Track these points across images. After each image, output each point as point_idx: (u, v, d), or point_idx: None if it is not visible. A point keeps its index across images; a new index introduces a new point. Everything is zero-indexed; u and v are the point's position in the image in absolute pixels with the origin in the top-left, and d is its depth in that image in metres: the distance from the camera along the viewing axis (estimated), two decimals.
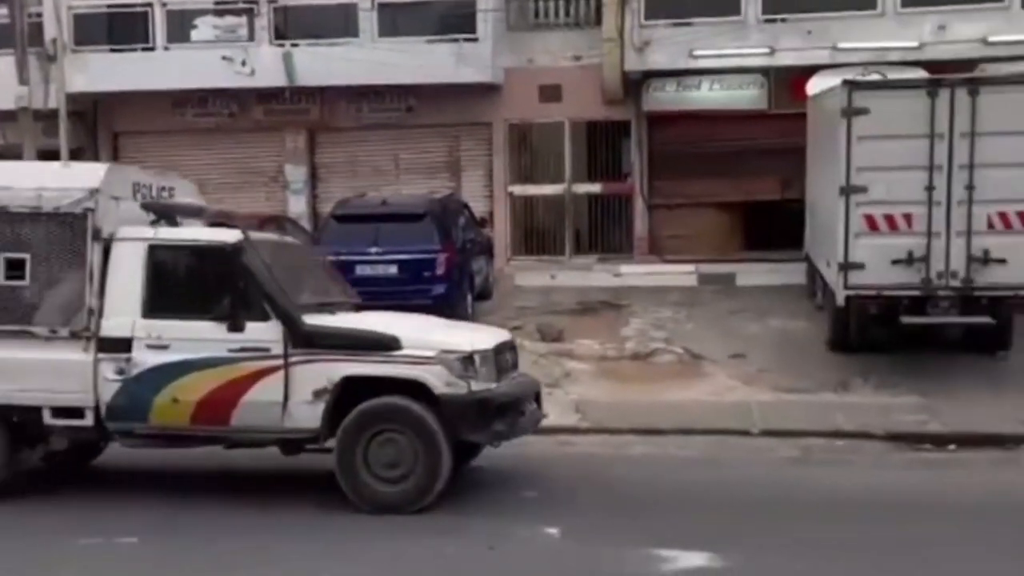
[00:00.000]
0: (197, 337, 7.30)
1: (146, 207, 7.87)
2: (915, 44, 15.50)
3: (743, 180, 17.04)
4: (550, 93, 17.38)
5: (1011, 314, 11.12)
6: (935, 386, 10.86)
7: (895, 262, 10.67)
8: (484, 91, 17.17)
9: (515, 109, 17.59)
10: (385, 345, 7.23)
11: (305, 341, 7.24)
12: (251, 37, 17.08)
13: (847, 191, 10.74)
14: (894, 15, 15.72)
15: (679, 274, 16.32)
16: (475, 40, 16.72)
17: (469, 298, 13.88)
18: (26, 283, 7.53)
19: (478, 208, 16.73)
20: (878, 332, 11.70)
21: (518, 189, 17.92)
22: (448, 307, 12.64)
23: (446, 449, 7.07)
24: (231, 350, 7.25)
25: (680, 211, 17.51)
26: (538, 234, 18.06)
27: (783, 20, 16.04)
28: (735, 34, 16.09)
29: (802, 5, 15.94)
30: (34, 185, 7.63)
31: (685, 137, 17.21)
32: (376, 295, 12.26)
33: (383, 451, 7.14)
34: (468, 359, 7.16)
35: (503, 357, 7.69)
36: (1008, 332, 11.41)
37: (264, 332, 7.25)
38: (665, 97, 17.02)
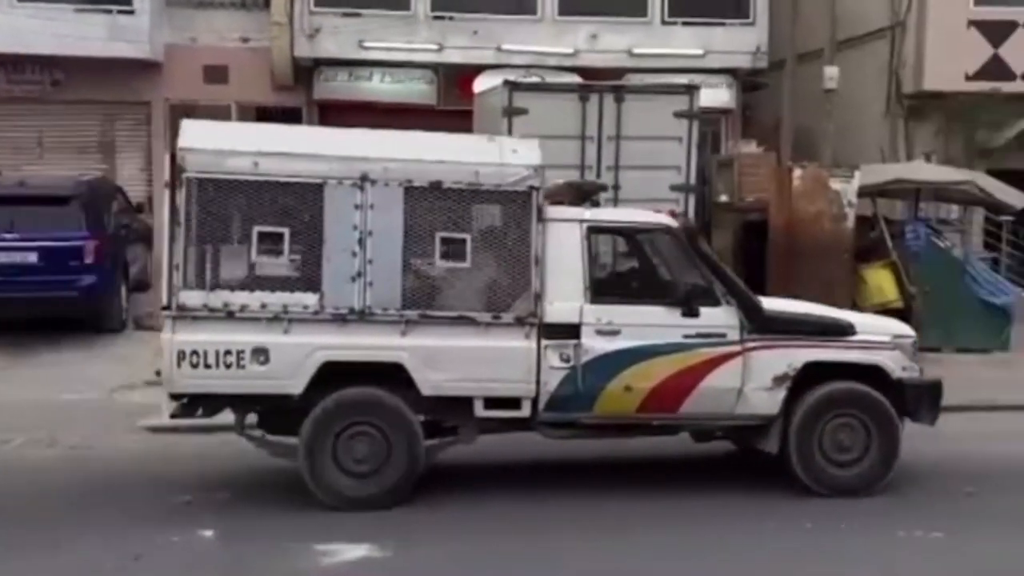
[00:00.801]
0: (650, 323, 6.89)
1: (575, 186, 7.35)
2: (571, 51, 16.56)
3: None
4: (215, 74, 16.66)
5: None
6: None
7: None
8: (142, 68, 16.13)
9: (177, 89, 16.67)
10: (842, 331, 7.22)
11: (763, 326, 7.02)
12: None
13: None
14: (552, 22, 16.69)
15: None
16: (131, 12, 15.71)
17: (123, 290, 12.95)
18: (467, 265, 6.70)
19: (136, 193, 15.66)
20: None
21: None
22: (97, 299, 11.72)
23: (900, 434, 7.12)
24: (687, 336, 6.90)
25: None
26: None
27: (451, 18, 16.50)
28: (405, 28, 16.33)
29: (468, 5, 16.50)
30: (472, 160, 6.78)
31: (357, 127, 17.10)
32: (12, 285, 11.16)
33: (837, 436, 7.05)
34: (915, 344, 7.30)
35: None
36: None
37: (719, 317, 6.98)
38: (337, 86, 16.90)
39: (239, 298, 6.56)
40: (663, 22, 17.07)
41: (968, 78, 17.33)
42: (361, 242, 6.59)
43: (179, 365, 6.50)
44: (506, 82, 11.44)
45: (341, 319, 6.61)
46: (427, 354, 6.68)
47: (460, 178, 6.72)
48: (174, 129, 16.47)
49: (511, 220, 6.84)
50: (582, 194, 7.64)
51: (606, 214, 7.59)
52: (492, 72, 15.47)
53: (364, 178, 6.61)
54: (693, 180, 11.44)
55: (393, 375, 6.69)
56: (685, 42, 16.98)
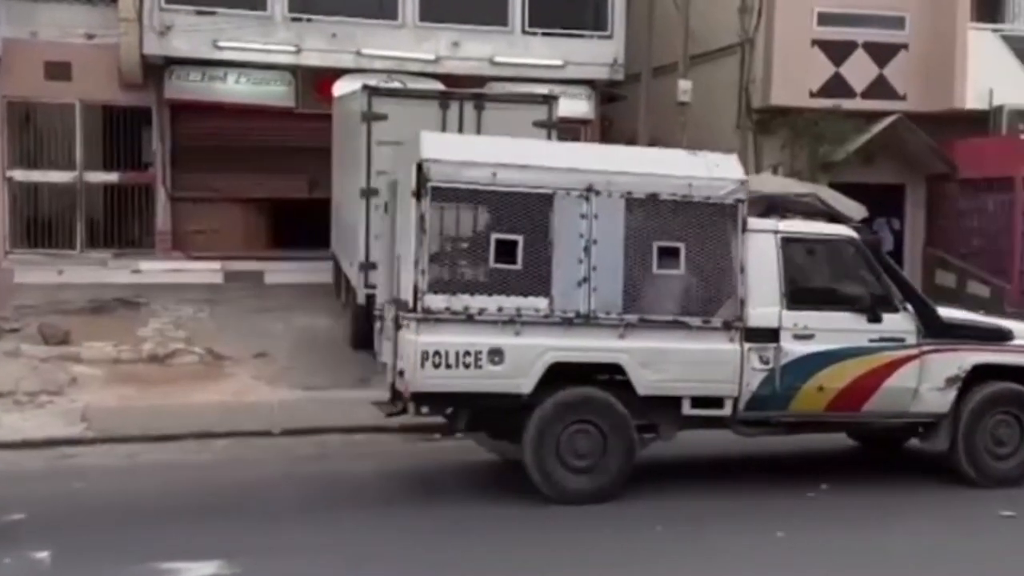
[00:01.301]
0: (840, 328, 7.46)
1: (765, 198, 7.78)
2: (432, 57, 16.49)
3: (271, 177, 16.87)
4: (58, 71, 15.79)
5: None
6: None
7: None
8: None
9: (16, 85, 15.75)
10: (1003, 336, 7.97)
11: (937, 332, 7.65)
12: None
13: (367, 193, 11.08)
14: (413, 27, 16.59)
15: (204, 271, 15.78)
16: None
17: None
18: (680, 272, 7.16)
19: None
20: None
21: (19, 174, 16.09)
22: None
23: None
24: (871, 340, 7.50)
25: (206, 206, 16.90)
26: (44, 225, 16.35)
27: (309, 20, 16.18)
28: (261, 29, 15.92)
29: (327, 7, 16.21)
30: (684, 173, 7.26)
31: (211, 129, 16.59)
32: None
33: (996, 431, 7.73)
34: None
35: None
36: None
37: (899, 323, 7.61)
38: (189, 86, 16.30)
39: (478, 302, 6.92)
40: (523, 31, 17.22)
41: (812, 95, 18.18)
42: (587, 249, 7.05)
43: (422, 365, 6.79)
44: (365, 87, 11.30)
45: (568, 322, 7.03)
46: (644, 356, 7.15)
47: (675, 190, 7.22)
48: (12, 127, 15.63)
49: (718, 230, 7.29)
50: (771, 206, 7.99)
51: (797, 226, 7.90)
52: (352, 76, 15.26)
53: (590, 189, 7.06)
54: None
55: (610, 375, 7.16)
56: (545, 52, 17.18)
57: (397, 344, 7.17)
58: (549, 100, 11.58)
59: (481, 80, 16.05)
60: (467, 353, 6.84)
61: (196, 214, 16.79)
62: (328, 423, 9.90)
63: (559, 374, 6.99)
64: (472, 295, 6.93)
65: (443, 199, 6.89)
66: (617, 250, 7.09)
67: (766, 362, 7.31)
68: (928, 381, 7.66)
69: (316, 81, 16.37)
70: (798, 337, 7.40)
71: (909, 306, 7.67)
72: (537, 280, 6.97)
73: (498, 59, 16.78)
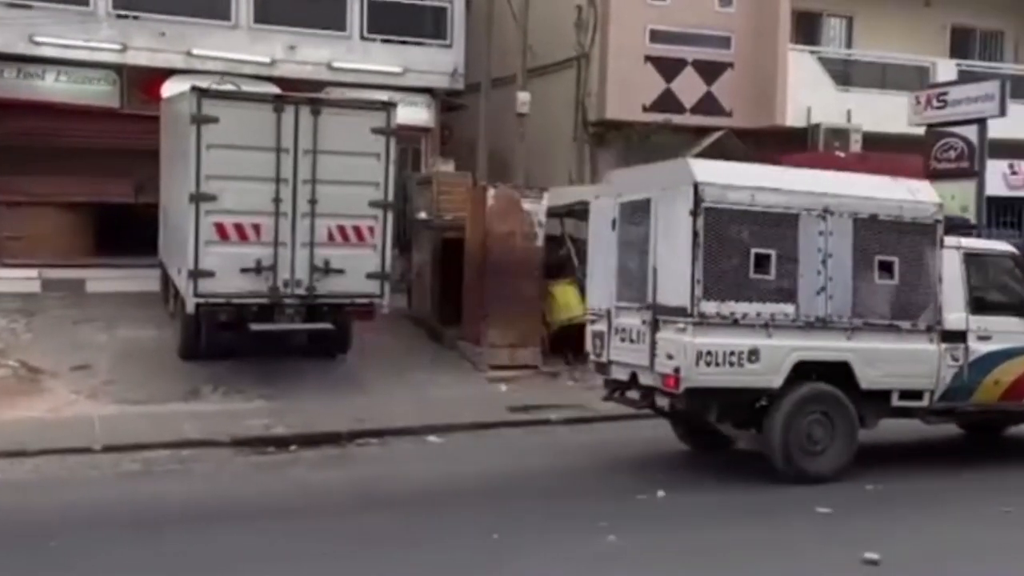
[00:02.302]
0: (1011, 330, 8.84)
1: (946, 219, 8.70)
2: (267, 60, 16.10)
3: (95, 180, 15.99)
4: None
5: (349, 320, 12.03)
6: (281, 390, 11.34)
7: (244, 270, 10.89)
8: None
9: None
10: None
11: None
12: None
13: (197, 198, 10.68)
14: (248, 29, 16.15)
15: (19, 279, 14.80)
16: None
17: None
18: (895, 282, 8.30)
19: None
20: (229, 339, 11.85)
21: None
22: None
23: None
24: None
25: (22, 210, 15.81)
26: None
27: (136, 18, 15.50)
28: (83, 25, 15.13)
29: (156, 5, 15.57)
30: (896, 197, 8.46)
31: (29, 129, 15.59)
32: None
33: None
34: None
35: None
36: (347, 337, 12.34)
37: None
38: (4, 84, 15.31)
39: (741, 308, 7.91)
40: (362, 37, 17.05)
41: (645, 109, 18.78)
42: (824, 262, 8.13)
43: (697, 364, 7.75)
44: (195, 88, 10.86)
45: (810, 326, 8.11)
46: (866, 355, 8.25)
47: (890, 212, 8.38)
48: None
49: (921, 247, 8.45)
50: (951, 226, 9.03)
51: (974, 243, 9.36)
52: (182, 77, 14.71)
53: (826, 210, 8.17)
54: (391, 197, 11.44)
55: (838, 372, 8.16)
56: (384, 59, 17.06)
57: (657, 345, 8.07)
58: (387, 106, 11.45)
59: (319, 85, 15.78)
60: (732, 353, 7.85)
61: (11, 219, 15.70)
62: (154, 438, 9.45)
63: (800, 371, 8.05)
64: (736, 302, 7.88)
65: (713, 218, 7.82)
66: (847, 263, 8.21)
67: (956, 360, 8.56)
68: None
69: (143, 81, 15.69)
70: (980, 338, 8.70)
71: None
72: (786, 289, 8.05)
73: (336, 64, 16.55)
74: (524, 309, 12.95)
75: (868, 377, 8.24)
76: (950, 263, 8.65)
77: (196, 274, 10.70)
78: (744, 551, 6.40)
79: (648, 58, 18.65)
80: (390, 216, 11.42)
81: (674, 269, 7.96)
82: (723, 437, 8.85)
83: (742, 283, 7.91)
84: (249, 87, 14.15)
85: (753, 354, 7.88)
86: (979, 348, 8.69)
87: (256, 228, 10.93)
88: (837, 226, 8.18)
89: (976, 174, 14.80)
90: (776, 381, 8.00)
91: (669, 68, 18.84)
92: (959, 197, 14.86)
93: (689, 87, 19.10)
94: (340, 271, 11.19)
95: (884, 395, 8.40)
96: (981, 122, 14.83)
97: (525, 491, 7.92)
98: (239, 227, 10.87)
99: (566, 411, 11.21)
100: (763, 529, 6.93)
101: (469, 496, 7.70)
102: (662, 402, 8.43)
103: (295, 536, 6.58)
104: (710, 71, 19.22)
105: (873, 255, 8.27)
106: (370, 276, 11.33)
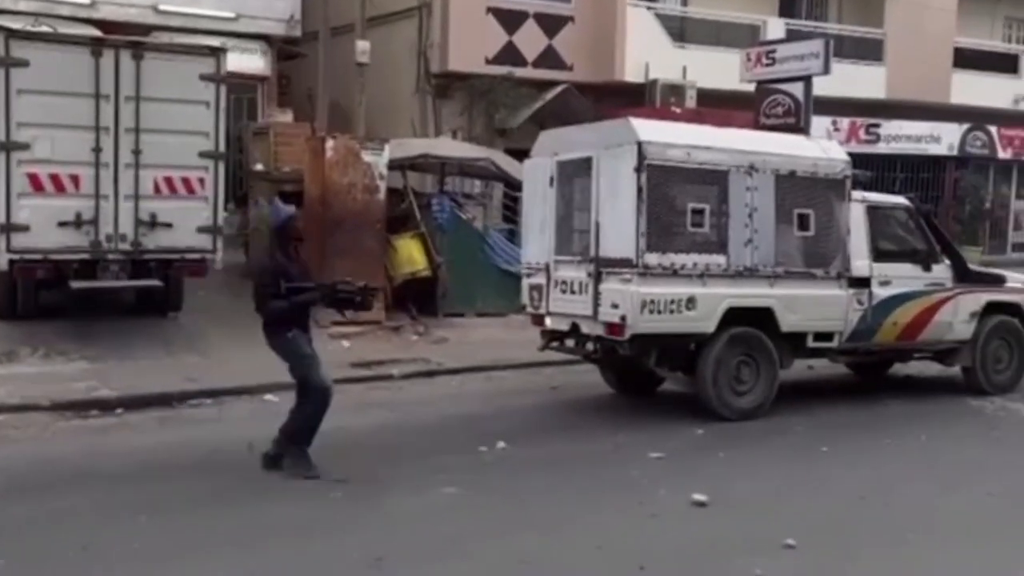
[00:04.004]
0: (907, 275, 9.58)
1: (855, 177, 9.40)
2: (87, 1, 15.08)
3: None
4: None
5: (180, 277, 11.52)
6: (107, 351, 10.77)
7: (62, 224, 10.28)
8: None
9: None
10: (1000, 280, 10.46)
11: (965, 278, 9.95)
12: None
13: (7, 147, 9.96)
14: None
15: None
16: None
17: None
18: (811, 234, 8.97)
19: None
20: (49, 297, 11.17)
21: None
22: None
23: None
24: (926, 285, 9.70)
25: None
26: None
27: None
28: None
29: None
30: (810, 155, 9.17)
31: None
32: None
33: (998, 353, 10.22)
34: None
35: None
36: (179, 294, 11.84)
37: (942, 271, 9.84)
38: None
39: (680, 259, 8.39)
40: None
41: (487, 61, 18.66)
42: (751, 216, 8.66)
43: (642, 312, 8.21)
44: (2, 29, 10.05)
45: (739, 275, 8.65)
46: (786, 300, 8.87)
47: (806, 168, 8.98)
48: None
49: (832, 200, 9.09)
50: (856, 181, 9.52)
51: (876, 197, 9.99)
52: None
53: (752, 167, 8.69)
54: (222, 147, 10.95)
55: (761, 317, 8.76)
56: (215, 3, 16.30)
57: (601, 295, 8.44)
58: (217, 52, 10.89)
59: (145, 29, 14.94)
60: (672, 301, 8.34)
61: None
62: None
63: (729, 317, 8.55)
64: (676, 253, 8.35)
65: (655, 174, 8.20)
66: (770, 216, 8.75)
67: (862, 304, 9.28)
68: (959, 315, 9.93)
69: None
70: (881, 284, 9.43)
71: (946, 258, 9.90)
72: (719, 241, 8.57)
73: (163, 7, 15.69)
74: (366, 263, 12.67)
75: (788, 321, 8.88)
76: (856, 215, 9.31)
77: (8, 228, 10.01)
78: (571, 496, 6.51)
79: (490, 9, 18.50)
80: (221, 167, 10.96)
81: (618, 223, 8.32)
82: (648, 383, 9.55)
83: (680, 236, 8.42)
84: (67, 30, 13.28)
85: (691, 302, 8.41)
86: (881, 293, 9.42)
87: (74, 179, 10.30)
88: (761, 182, 8.71)
89: (802, 130, 15.42)
90: (710, 326, 8.54)
91: (511, 20, 18.75)
92: None
93: (531, 40, 19.08)
94: (168, 225, 10.69)
95: (801, 337, 9.09)
96: (807, 79, 15.45)
97: (364, 447, 7.80)
98: (55, 178, 10.21)
99: (409, 365, 11.13)
100: (596, 473, 7.07)
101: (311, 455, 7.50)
102: (599, 349, 8.94)
103: (116, 502, 6.27)
104: (551, 24, 19.25)
105: (792, 209, 8.86)
106: (201, 230, 10.86)
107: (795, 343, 9.09)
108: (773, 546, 5.53)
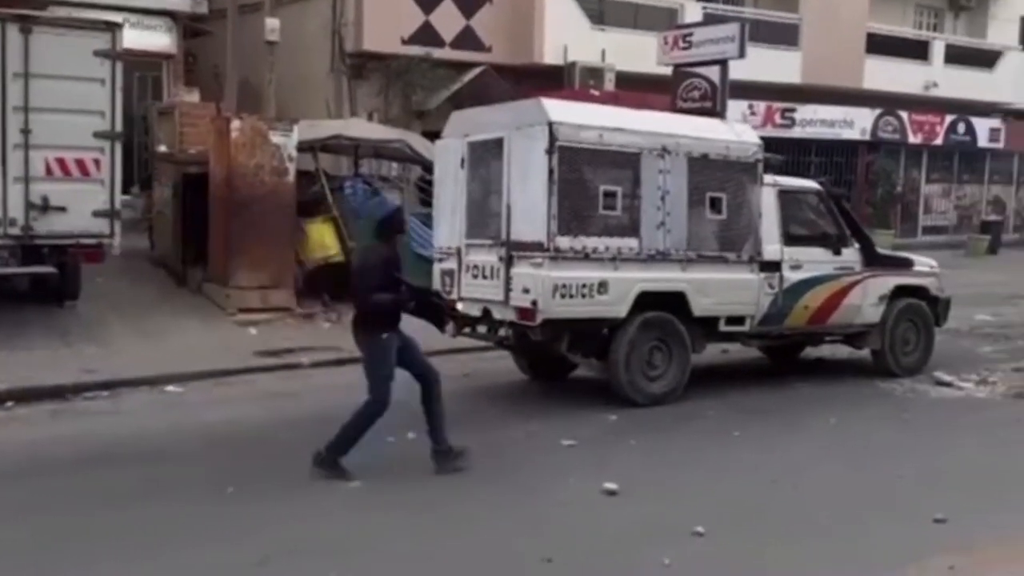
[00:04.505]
0: (817, 259, 9.64)
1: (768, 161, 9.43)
2: None
3: None
4: None
5: (76, 263, 11.00)
6: None
7: None
8: None
9: None
10: (909, 264, 10.58)
11: (874, 261, 10.04)
12: None
13: None
14: None
15: None
16: None
17: None
18: (723, 217, 8.87)
19: None
20: None
21: None
22: None
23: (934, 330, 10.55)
24: (836, 268, 9.75)
25: None
26: None
27: None
28: None
29: None
30: (723, 138, 9.05)
31: None
32: None
33: (906, 335, 10.25)
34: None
35: None
36: (75, 281, 11.31)
37: (851, 255, 9.90)
38: None
39: (592, 242, 8.19)
40: None
41: (404, 41, 18.33)
42: (663, 199, 8.52)
43: (553, 296, 8.01)
44: None
45: (651, 258, 8.50)
46: (699, 285, 8.72)
47: (719, 151, 8.87)
48: None
49: (744, 184, 9.00)
50: (767, 164, 9.42)
51: (787, 181, 9.94)
52: None
53: (664, 149, 8.54)
54: (119, 127, 10.45)
55: (674, 301, 8.61)
56: None
57: (512, 280, 8.21)
58: (112, 27, 10.34)
59: (42, 3, 14.21)
60: (584, 285, 8.16)
61: None
62: None
63: (641, 301, 8.40)
64: (587, 237, 8.15)
65: (566, 156, 8.01)
66: (682, 199, 8.62)
67: (773, 288, 9.24)
68: (868, 299, 9.96)
69: None
70: (792, 268, 9.39)
71: (855, 242, 9.89)
72: (630, 224, 8.40)
73: None
74: (275, 249, 12.31)
75: (700, 305, 8.78)
76: (767, 199, 9.25)
77: None
78: (479, 487, 6.32)
79: None
80: (119, 148, 10.44)
81: (529, 206, 8.11)
82: (561, 368, 9.40)
83: (592, 219, 8.22)
84: None
85: (603, 286, 8.24)
86: (791, 276, 9.41)
87: None
88: (674, 164, 8.56)
89: (718, 114, 15.43)
90: (622, 311, 8.38)
91: None
92: None
93: (449, 20, 18.80)
94: (62, 208, 10.18)
95: (713, 321, 8.99)
96: (723, 63, 15.45)
97: (266, 441, 7.49)
98: None
99: (320, 353, 10.78)
100: (506, 463, 6.89)
101: (203, 448, 7.18)
102: (511, 335, 8.65)
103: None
104: (469, 5, 19.00)
105: (704, 192, 8.75)
106: (97, 214, 10.35)
107: (708, 327, 9.00)
108: (683, 534, 5.42)
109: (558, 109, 8.29)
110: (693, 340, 8.86)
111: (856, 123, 24.33)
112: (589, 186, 8.25)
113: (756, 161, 9.08)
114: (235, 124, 12.21)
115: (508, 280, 8.30)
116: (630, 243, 8.40)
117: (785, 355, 10.98)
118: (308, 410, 8.56)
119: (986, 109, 27.38)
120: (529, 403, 8.96)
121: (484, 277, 8.61)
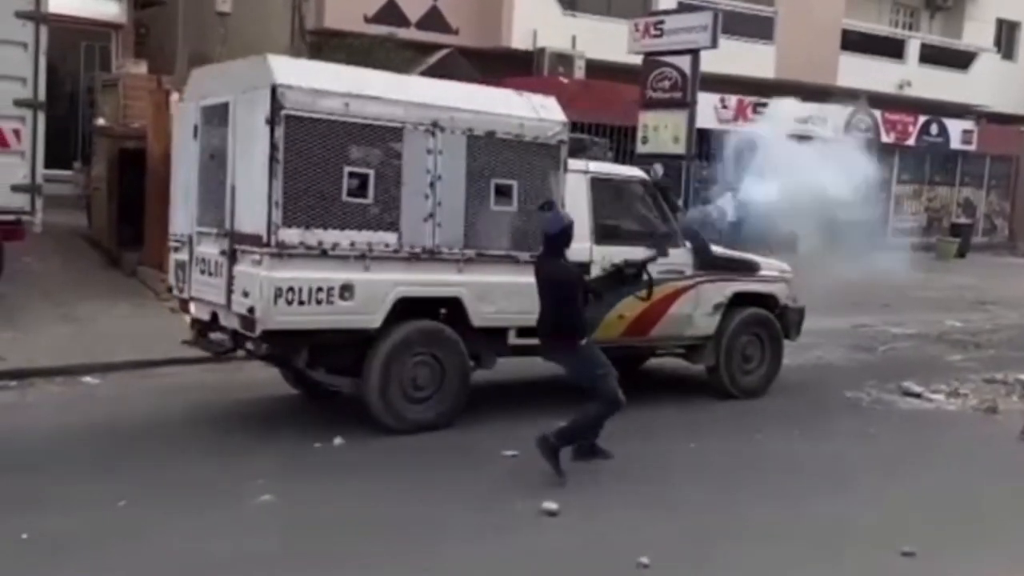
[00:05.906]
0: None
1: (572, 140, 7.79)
2: None
3: None
4: None
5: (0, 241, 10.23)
6: None
7: None
8: None
9: None
10: (752, 268, 8.99)
11: (708, 264, 8.60)
12: None
13: None
14: None
15: None
16: None
17: None
18: (513, 209, 7.36)
19: None
20: None
21: None
22: None
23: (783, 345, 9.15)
24: (660, 272, 7.73)
25: None
26: None
27: None
28: None
29: None
30: (516, 113, 7.44)
31: None
32: None
33: (747, 350, 8.90)
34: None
35: None
36: None
37: (681, 257, 8.40)
38: None
39: (331, 237, 6.67)
40: None
41: (367, 20, 17.66)
42: (432, 185, 7.02)
43: (275, 302, 6.50)
44: None
45: (415, 257, 7.01)
46: (479, 289, 7.28)
47: (509, 130, 7.32)
48: None
49: (544, 170, 7.49)
50: (578, 147, 8.16)
51: (603, 168, 8.41)
52: None
53: (435, 125, 7.02)
54: (42, 95, 9.70)
55: (446, 309, 7.28)
56: None
57: (234, 280, 6.76)
58: None
59: None
60: (320, 289, 6.66)
61: None
62: None
63: (402, 309, 7.02)
64: (325, 229, 6.64)
65: (297, 128, 6.45)
66: (459, 186, 7.17)
67: None
68: (701, 308, 8.60)
69: None
70: (605, 270, 7.59)
71: (687, 242, 8.49)
72: (387, 215, 6.89)
73: None
74: None
75: (481, 314, 7.32)
76: (576, 188, 7.82)
77: None
78: (403, 505, 5.72)
79: None
80: (42, 117, 9.70)
81: (251, 189, 6.59)
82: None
83: (333, 208, 6.66)
84: None
85: (346, 290, 6.73)
86: None
87: None
88: (448, 144, 7.05)
89: (688, 105, 14.93)
90: (375, 321, 6.90)
91: None
92: (671, 127, 14.99)
93: (414, 0, 18.14)
94: None
95: (501, 332, 7.54)
96: (694, 52, 14.93)
97: (177, 442, 6.82)
98: None
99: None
100: (446, 474, 6.30)
101: (103, 451, 6.50)
102: (251, 346, 7.00)
103: None
104: None
105: (490, 178, 7.26)
106: (16, 188, 9.63)
107: (495, 339, 7.55)
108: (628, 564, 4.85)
109: (287, 69, 6.63)
110: (477, 354, 7.50)
111: (829, 120, 23.90)
112: (329, 167, 6.62)
113: (559, 143, 7.54)
114: (175, 97, 11.42)
115: (231, 280, 6.83)
116: (386, 238, 6.86)
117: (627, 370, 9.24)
118: (230, 407, 7.92)
119: (959, 111, 27.10)
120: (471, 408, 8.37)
121: (210, 274, 7.13)
